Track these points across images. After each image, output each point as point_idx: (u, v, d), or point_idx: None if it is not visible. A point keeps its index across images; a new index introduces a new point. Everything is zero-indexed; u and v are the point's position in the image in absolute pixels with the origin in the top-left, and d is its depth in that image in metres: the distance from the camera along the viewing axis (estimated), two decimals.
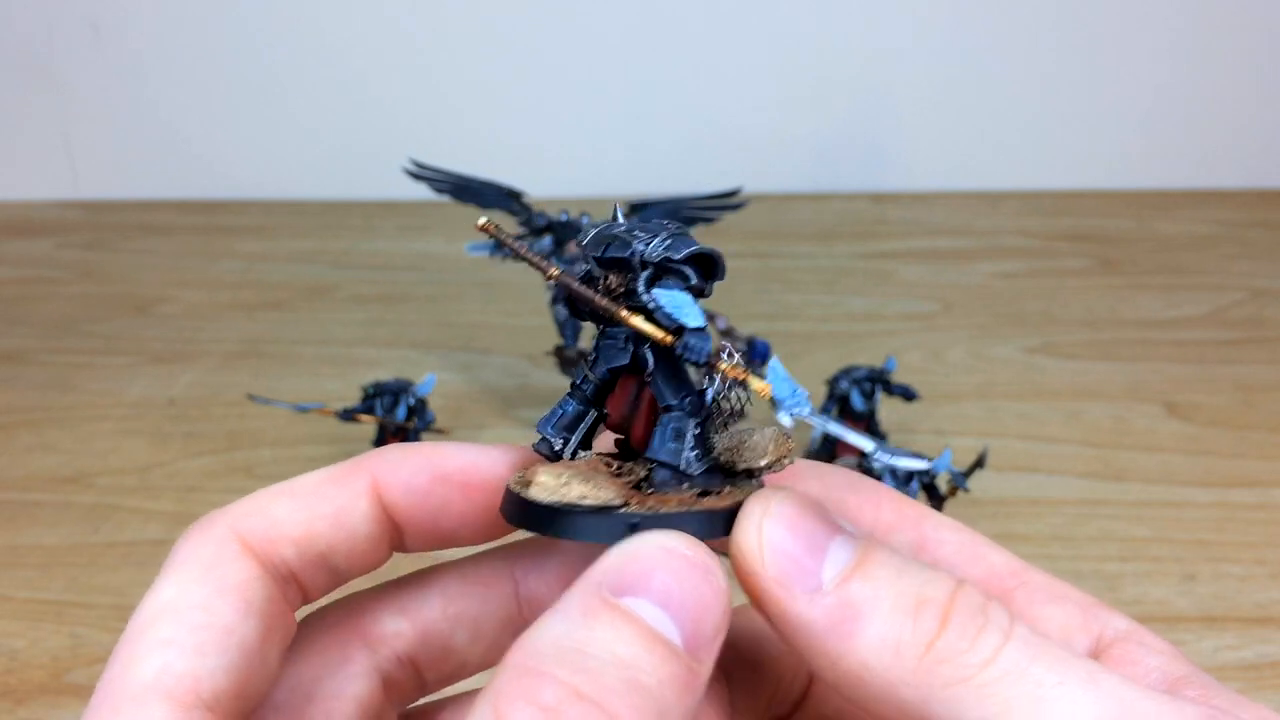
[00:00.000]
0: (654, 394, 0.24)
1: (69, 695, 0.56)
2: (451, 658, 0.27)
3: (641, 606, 0.21)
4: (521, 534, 0.27)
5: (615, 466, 0.25)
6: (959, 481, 0.60)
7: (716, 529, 0.23)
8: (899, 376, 0.72)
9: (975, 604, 0.21)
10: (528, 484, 0.24)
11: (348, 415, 0.68)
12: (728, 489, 0.24)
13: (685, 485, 0.24)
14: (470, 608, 0.27)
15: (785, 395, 0.24)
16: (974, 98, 1.19)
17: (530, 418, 0.81)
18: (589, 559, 0.22)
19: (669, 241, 0.24)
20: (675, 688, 0.20)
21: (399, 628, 0.27)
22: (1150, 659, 0.24)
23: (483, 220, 0.25)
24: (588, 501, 0.23)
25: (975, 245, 1.10)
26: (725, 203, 0.74)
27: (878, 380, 0.71)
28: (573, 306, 0.26)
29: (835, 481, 0.27)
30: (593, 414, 0.25)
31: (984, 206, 1.19)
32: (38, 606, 0.62)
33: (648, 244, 0.24)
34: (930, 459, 0.60)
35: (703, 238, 0.25)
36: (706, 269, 0.24)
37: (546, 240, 0.72)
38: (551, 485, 0.23)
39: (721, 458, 0.25)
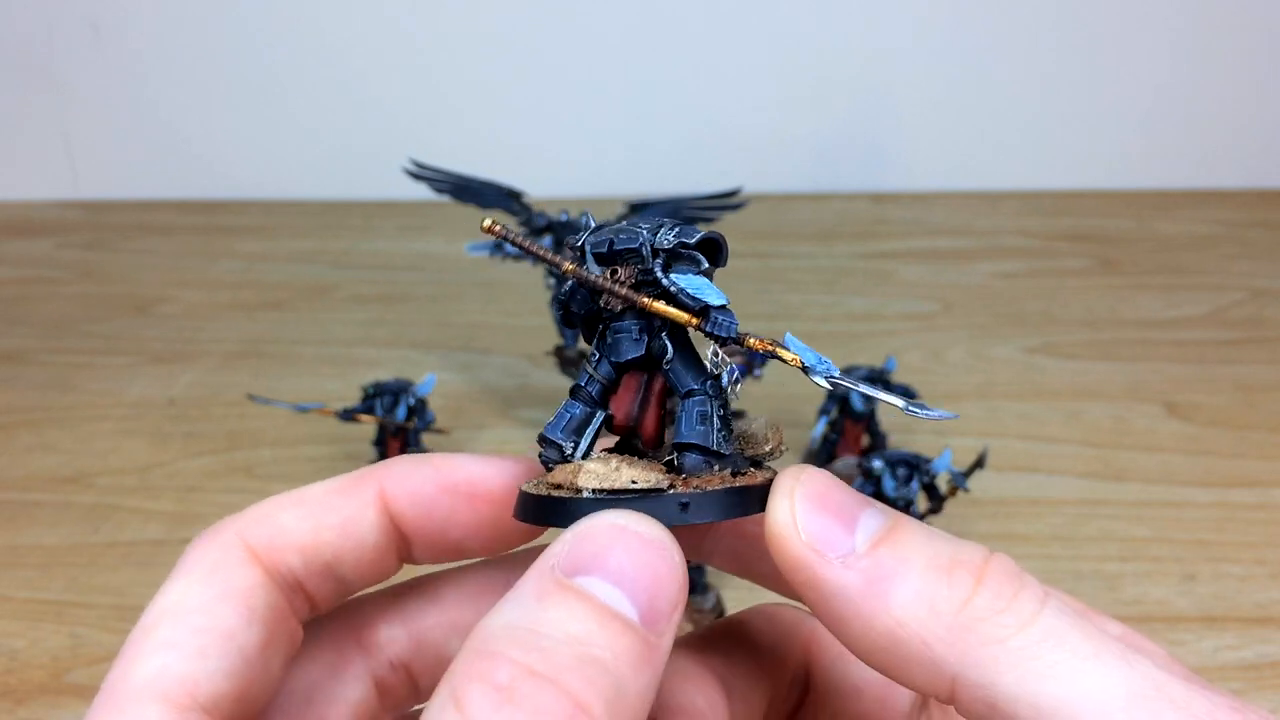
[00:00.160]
0: (673, 380, 0.25)
1: (69, 695, 0.56)
2: (446, 665, 0.27)
3: (594, 585, 0.21)
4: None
5: (610, 456, 0.25)
6: (959, 481, 0.60)
7: (759, 504, 0.23)
8: (899, 376, 0.72)
9: (1010, 569, 0.21)
10: (558, 485, 0.24)
11: (348, 415, 0.68)
12: (752, 470, 0.25)
13: (716, 467, 0.24)
14: (465, 616, 0.27)
15: (814, 362, 0.24)
16: (974, 98, 1.19)
17: (530, 418, 0.81)
18: None
19: (677, 229, 0.24)
20: (631, 661, 0.20)
21: (394, 634, 0.27)
22: None
23: (488, 221, 0.25)
24: (639, 485, 0.23)
25: (975, 245, 1.10)
26: (725, 203, 0.74)
27: (878, 380, 0.71)
28: (565, 313, 0.26)
29: None
30: (600, 415, 0.25)
31: (984, 206, 1.19)
32: (38, 606, 0.62)
33: (655, 233, 0.24)
34: (930, 459, 0.60)
35: None
36: (711, 254, 0.25)
37: (546, 240, 0.72)
38: (602, 472, 0.23)
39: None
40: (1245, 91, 1.19)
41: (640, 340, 0.25)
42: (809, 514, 0.22)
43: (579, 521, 0.22)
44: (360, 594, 0.27)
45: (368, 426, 0.71)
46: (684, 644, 0.28)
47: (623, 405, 0.25)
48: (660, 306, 0.24)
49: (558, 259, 0.24)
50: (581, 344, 0.77)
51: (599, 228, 0.25)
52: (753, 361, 0.66)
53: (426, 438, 0.72)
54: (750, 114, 1.20)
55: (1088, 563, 0.65)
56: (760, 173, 1.16)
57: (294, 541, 0.25)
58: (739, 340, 0.24)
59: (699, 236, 0.24)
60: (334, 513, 0.25)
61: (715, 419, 0.24)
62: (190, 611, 0.23)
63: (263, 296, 1.01)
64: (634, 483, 0.23)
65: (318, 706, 0.26)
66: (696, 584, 0.60)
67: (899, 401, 0.24)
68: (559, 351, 0.78)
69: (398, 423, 0.69)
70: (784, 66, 1.18)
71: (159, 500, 0.72)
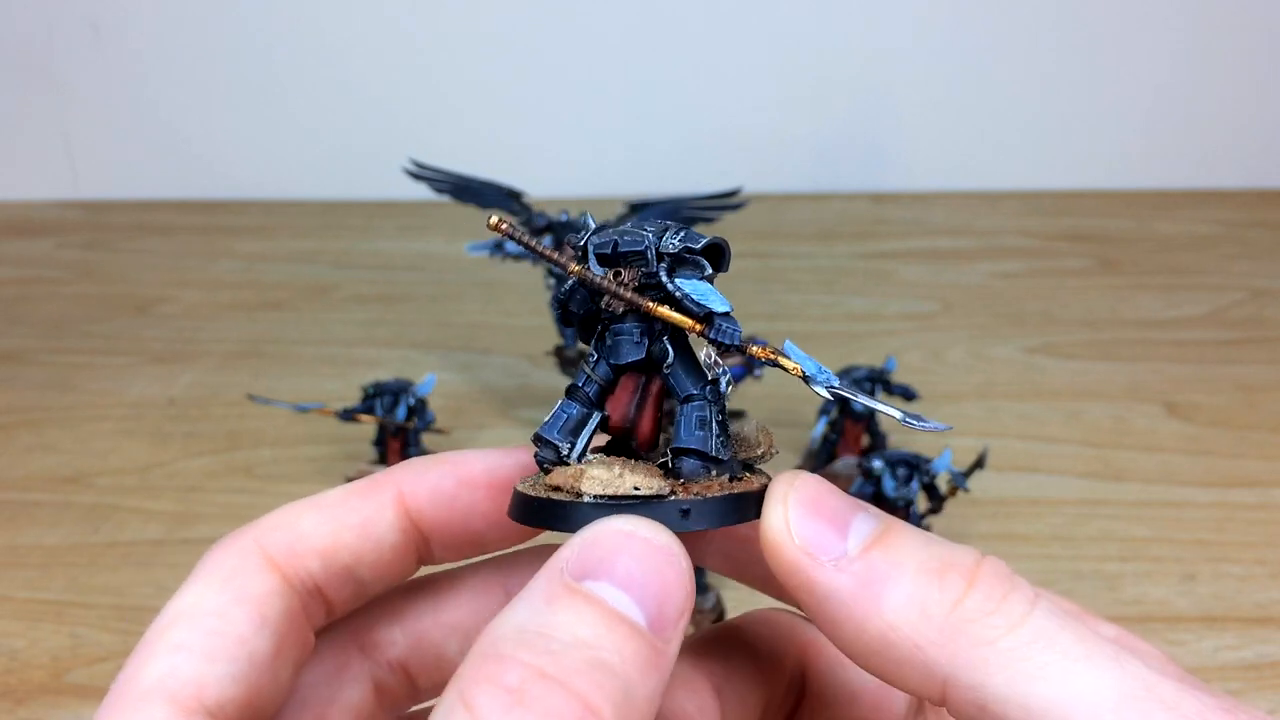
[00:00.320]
0: (673, 385, 0.25)
1: (69, 695, 0.56)
2: (444, 666, 0.27)
3: (604, 589, 0.21)
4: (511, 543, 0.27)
5: (609, 460, 0.25)
6: (959, 481, 0.60)
7: (757, 511, 0.23)
8: (899, 376, 0.72)
9: (1001, 572, 0.22)
10: (556, 487, 0.24)
11: (348, 415, 0.68)
12: (747, 475, 0.25)
13: (713, 472, 0.24)
14: (463, 617, 0.27)
15: (814, 371, 0.24)
16: (974, 98, 1.19)
17: (530, 418, 0.81)
18: None
19: (682, 233, 0.24)
20: (640, 666, 0.20)
21: (393, 636, 0.27)
22: None
23: (494, 219, 0.25)
24: (641, 491, 0.23)
25: (975, 245, 1.10)
26: (725, 203, 0.74)
27: (878, 380, 0.71)
28: (564, 312, 0.26)
29: None
30: (596, 416, 0.25)
31: (984, 206, 1.19)
32: (38, 606, 0.62)
33: (660, 237, 0.24)
34: (930, 459, 0.60)
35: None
36: (714, 259, 0.25)
37: (546, 240, 0.72)
38: (606, 478, 0.23)
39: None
40: (1245, 91, 1.19)
41: (641, 343, 0.25)
42: (802, 519, 0.22)
43: (588, 526, 0.22)
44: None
45: (368, 426, 0.71)
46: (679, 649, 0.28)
47: (619, 407, 0.25)
48: (665, 311, 0.24)
49: (563, 259, 0.24)
50: (580, 344, 0.77)
51: (601, 228, 0.25)
52: (753, 362, 0.66)
53: (426, 438, 0.72)
54: (750, 114, 1.20)
55: (1088, 563, 0.65)
56: (760, 173, 1.16)
57: (313, 545, 0.25)
58: (742, 348, 0.24)
59: (704, 242, 0.24)
60: (353, 514, 0.25)
61: (714, 424, 0.24)
62: (203, 615, 0.23)
63: (263, 296, 1.01)
64: (636, 489, 0.23)
65: (317, 708, 0.26)
66: (697, 584, 0.60)
67: (896, 413, 0.24)
68: (559, 351, 0.78)
69: (398, 423, 0.69)
70: (784, 66, 1.18)
71: (159, 500, 0.72)
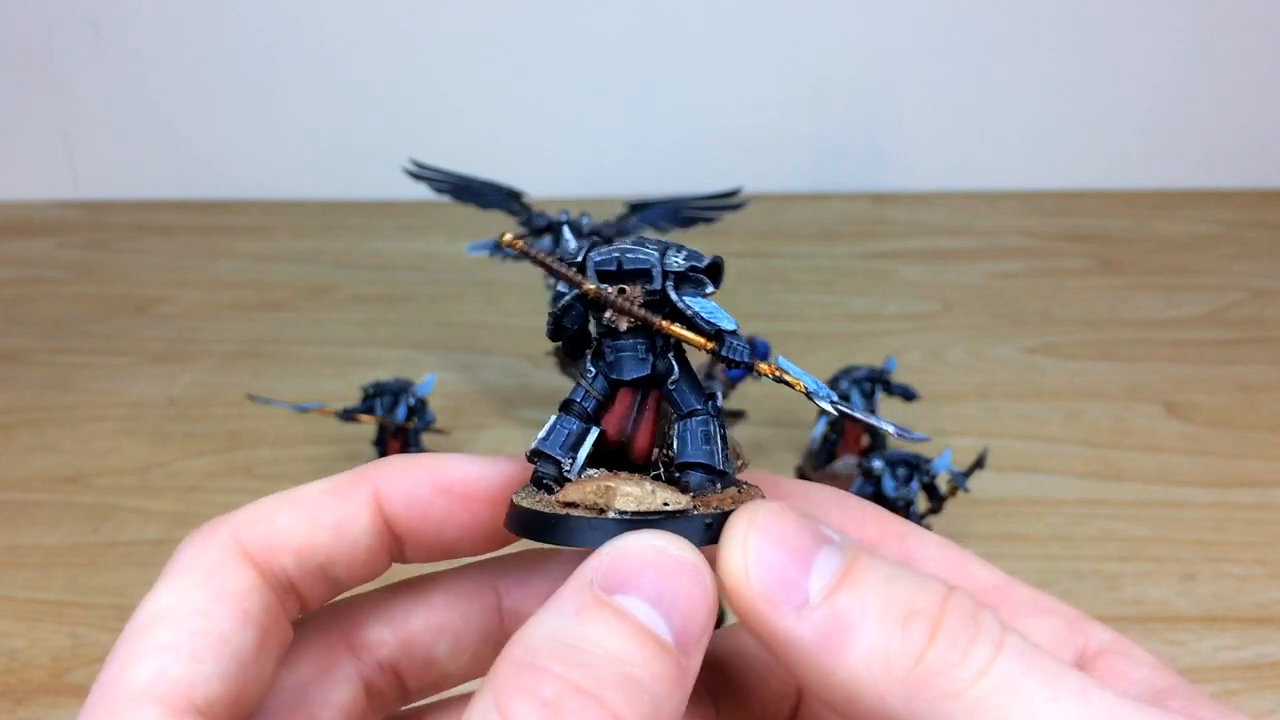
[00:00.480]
0: (677, 400, 0.25)
1: (69, 695, 0.56)
2: (433, 668, 0.27)
3: (633, 604, 0.21)
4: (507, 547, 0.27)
5: (637, 477, 0.25)
6: (959, 481, 0.60)
7: None
8: (899, 376, 0.72)
9: (966, 612, 0.21)
10: (572, 503, 0.24)
11: (348, 415, 0.68)
12: (746, 487, 0.25)
13: (719, 485, 0.24)
14: (453, 619, 0.27)
15: (815, 387, 0.25)
16: (974, 98, 1.19)
17: (530, 418, 0.81)
18: (572, 571, 0.22)
19: (685, 252, 0.25)
20: (667, 684, 0.20)
21: (382, 636, 0.27)
22: (1135, 671, 0.24)
23: (508, 235, 0.25)
24: (670, 507, 0.23)
25: (975, 245, 1.10)
26: (725, 203, 0.74)
27: (878, 380, 0.71)
28: (557, 327, 0.26)
29: (820, 499, 0.27)
30: (594, 432, 0.25)
31: (984, 206, 1.19)
32: (38, 606, 0.62)
33: (664, 254, 0.24)
34: (930, 459, 0.60)
35: (702, 238, 0.25)
36: (713, 277, 0.25)
37: (546, 240, 0.72)
38: (639, 494, 0.23)
39: None
40: (1245, 91, 1.19)
41: (645, 359, 0.25)
42: (761, 564, 0.22)
43: (616, 539, 0.22)
44: (349, 595, 0.27)
45: (368, 426, 0.71)
46: None
47: (616, 422, 0.25)
48: (676, 329, 0.24)
49: (579, 278, 0.25)
50: (558, 358, 0.77)
51: (594, 243, 0.25)
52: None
53: (426, 438, 0.72)
54: (750, 114, 1.20)
55: (1088, 563, 0.65)
56: (760, 173, 1.16)
57: (288, 543, 0.25)
58: (750, 365, 0.24)
59: (707, 261, 0.25)
60: (329, 514, 0.25)
61: (717, 438, 0.25)
62: (186, 614, 0.23)
63: (263, 296, 1.01)
64: (666, 505, 0.23)
65: (307, 708, 0.26)
66: None
67: (890, 428, 0.25)
68: (559, 352, 0.78)
69: (398, 423, 0.69)
70: (784, 66, 1.18)
71: (159, 500, 0.72)
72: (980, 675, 0.20)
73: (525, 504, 0.24)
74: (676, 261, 0.24)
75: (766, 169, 1.20)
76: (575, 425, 0.25)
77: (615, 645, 0.20)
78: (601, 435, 0.25)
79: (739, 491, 0.24)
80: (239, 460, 0.76)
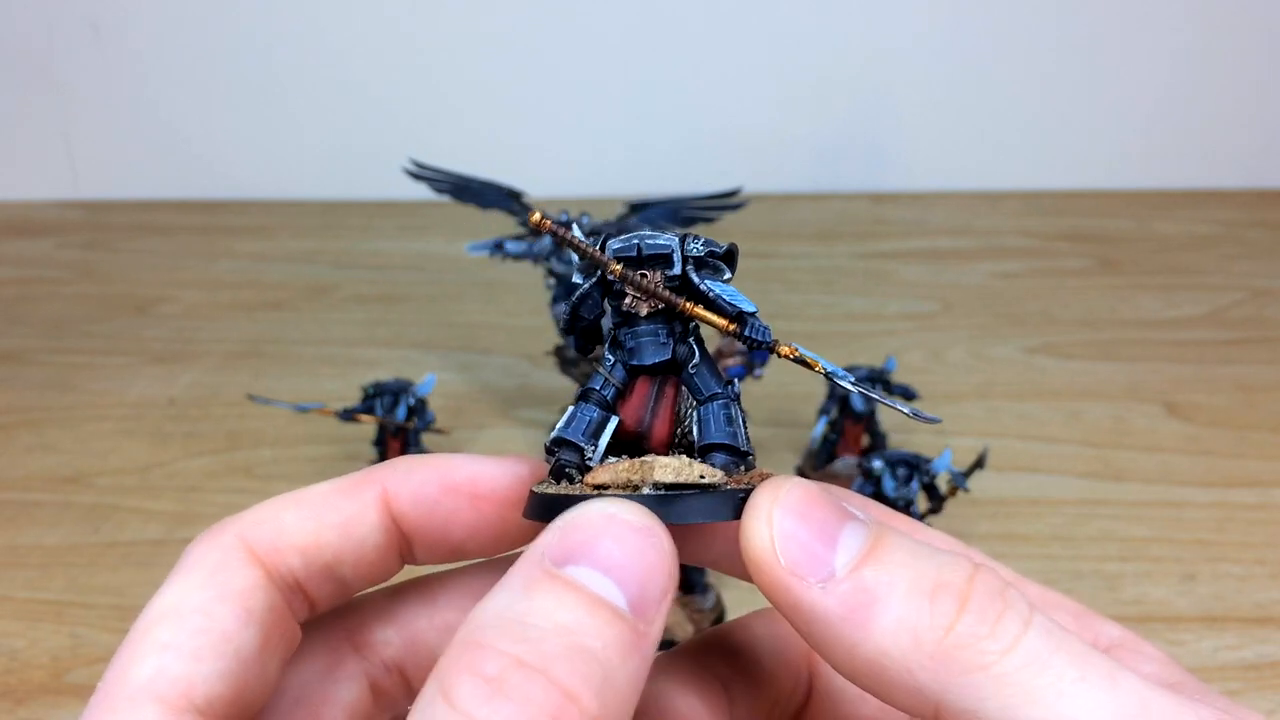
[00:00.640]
0: (697, 384, 0.25)
1: (69, 695, 0.56)
2: None
3: (583, 574, 0.21)
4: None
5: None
6: (959, 481, 0.60)
7: None
8: (899, 376, 0.72)
9: (994, 588, 0.21)
10: (603, 485, 0.24)
11: (348, 415, 0.68)
12: (762, 470, 0.25)
13: (742, 466, 0.24)
14: (457, 618, 0.27)
15: (832, 369, 0.25)
16: (974, 98, 1.19)
17: (530, 418, 0.81)
18: None
19: (702, 239, 0.25)
20: (620, 650, 0.20)
21: (388, 636, 0.27)
22: (1145, 666, 0.24)
23: (537, 215, 0.25)
24: (706, 480, 0.23)
25: (975, 245, 1.10)
26: (725, 203, 0.74)
27: (878, 380, 0.71)
28: (574, 316, 0.26)
29: None
30: (614, 420, 0.25)
31: (984, 206, 1.19)
32: (38, 606, 0.62)
33: (682, 240, 0.25)
34: (930, 459, 0.60)
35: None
36: (729, 264, 0.25)
37: (546, 240, 0.72)
38: (677, 466, 0.23)
39: None
40: (1245, 91, 1.19)
41: (666, 345, 0.25)
42: (787, 537, 0.22)
43: (568, 511, 0.22)
44: (355, 595, 0.27)
45: (368, 426, 0.71)
46: (686, 650, 0.28)
47: (634, 410, 0.25)
48: (700, 311, 0.24)
49: (606, 259, 0.25)
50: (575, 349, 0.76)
51: (593, 231, 0.25)
52: (753, 361, 0.66)
53: (426, 438, 0.72)
54: (750, 114, 1.20)
55: (1088, 563, 0.65)
56: (760, 173, 1.16)
57: (295, 542, 0.25)
58: (771, 346, 0.25)
59: (725, 248, 0.25)
60: (336, 513, 0.25)
61: (739, 421, 0.25)
62: (188, 613, 0.23)
63: (263, 296, 1.01)
64: (702, 478, 0.23)
65: (312, 707, 0.26)
66: (696, 584, 0.60)
67: (905, 408, 0.25)
68: (559, 351, 0.78)
69: (398, 423, 0.69)
70: (784, 66, 1.18)
71: (159, 500, 0.72)
72: (1009, 650, 0.20)
73: (551, 491, 0.24)
74: (695, 247, 0.25)
75: (766, 169, 1.20)
76: (596, 413, 0.25)
77: (564, 616, 0.20)
78: (618, 424, 0.25)
79: (762, 474, 0.24)
80: (239, 460, 0.76)
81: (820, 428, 0.71)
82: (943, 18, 1.16)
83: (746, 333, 0.24)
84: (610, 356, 0.25)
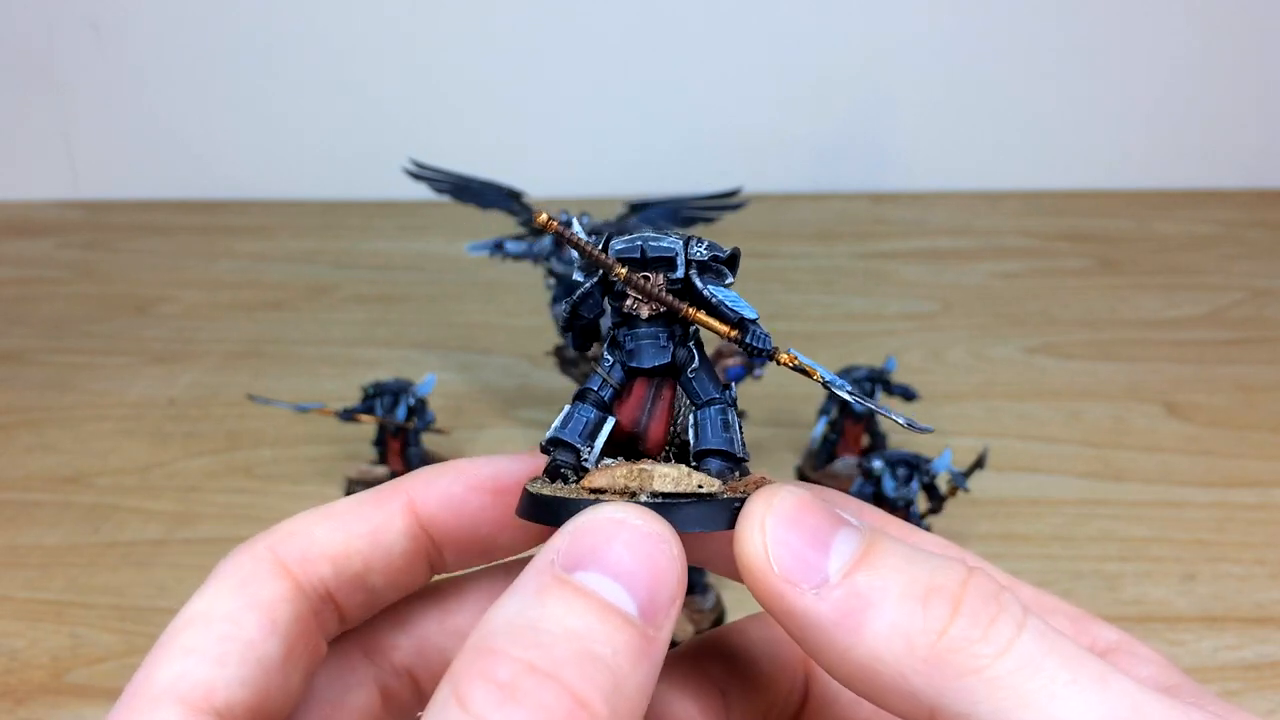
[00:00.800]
0: (695, 388, 0.25)
1: (69, 695, 0.56)
2: None
3: (594, 579, 0.21)
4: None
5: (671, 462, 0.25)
6: (959, 481, 0.60)
7: None
8: (899, 376, 0.72)
9: (988, 591, 0.21)
10: (600, 489, 0.24)
11: (348, 415, 0.68)
12: (760, 474, 0.25)
13: (737, 472, 0.24)
14: (468, 623, 0.27)
15: (830, 377, 0.25)
16: (974, 98, 1.19)
17: (530, 418, 0.81)
18: None
19: (705, 242, 0.25)
20: (631, 656, 0.20)
21: (398, 641, 0.27)
22: (1142, 669, 0.24)
23: (544, 215, 0.25)
24: (704, 490, 0.23)
25: (975, 245, 1.10)
26: (725, 203, 0.74)
27: (878, 380, 0.71)
28: (573, 316, 0.26)
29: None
30: (610, 421, 0.25)
31: (984, 206, 1.19)
32: (38, 606, 0.62)
33: (686, 244, 0.25)
34: (930, 459, 0.60)
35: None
36: (731, 268, 0.25)
37: (547, 240, 0.72)
38: (675, 475, 0.23)
39: None
40: (1245, 91, 1.19)
41: (666, 348, 0.25)
42: (780, 544, 0.22)
43: (578, 515, 0.22)
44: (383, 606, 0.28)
45: (368, 426, 0.71)
46: (682, 652, 0.28)
47: (631, 412, 0.25)
48: (703, 317, 0.24)
49: (612, 262, 0.25)
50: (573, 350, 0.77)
51: (594, 231, 0.25)
52: (753, 362, 0.66)
53: (426, 438, 0.72)
54: (750, 114, 1.20)
55: (1088, 563, 0.65)
56: (760, 173, 1.16)
57: (325, 552, 0.25)
58: (772, 354, 0.25)
59: (728, 252, 0.25)
60: (364, 522, 0.26)
61: (735, 426, 0.25)
62: (215, 620, 0.23)
63: (263, 296, 1.01)
64: (700, 487, 0.23)
65: (323, 712, 0.26)
66: (696, 584, 0.60)
67: (900, 419, 0.25)
68: (559, 351, 0.78)
69: (398, 423, 0.69)
70: (784, 66, 1.18)
71: (159, 500, 0.72)
72: (1002, 653, 0.20)
73: (547, 491, 0.24)
74: (699, 251, 0.25)
75: (766, 169, 1.20)
76: (592, 414, 0.25)
77: (574, 622, 0.20)
78: (614, 426, 0.25)
79: (759, 479, 0.24)
80: (239, 460, 0.76)
81: (820, 428, 0.71)
82: (943, 18, 1.16)
83: (748, 340, 0.24)
84: (609, 357, 0.25)
